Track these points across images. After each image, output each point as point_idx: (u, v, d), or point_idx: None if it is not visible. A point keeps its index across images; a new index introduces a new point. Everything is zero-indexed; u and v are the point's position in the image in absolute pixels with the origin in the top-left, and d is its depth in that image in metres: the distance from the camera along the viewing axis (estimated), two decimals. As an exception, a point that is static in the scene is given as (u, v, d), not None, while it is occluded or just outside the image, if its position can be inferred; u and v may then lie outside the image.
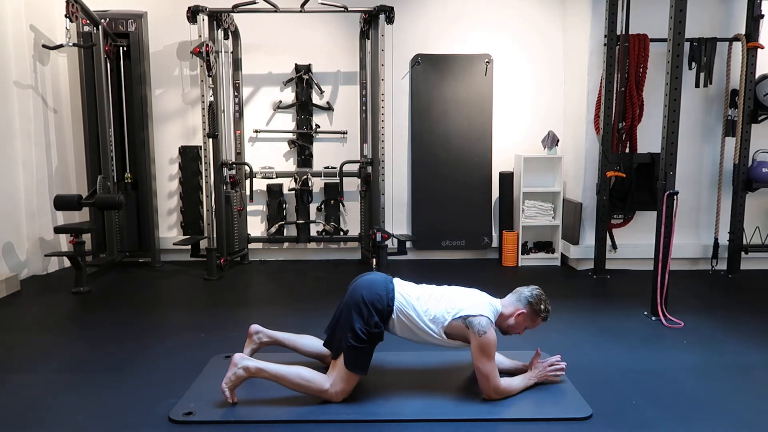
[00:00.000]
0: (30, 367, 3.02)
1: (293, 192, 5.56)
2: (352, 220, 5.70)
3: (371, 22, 5.04)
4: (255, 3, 4.84)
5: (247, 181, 5.35)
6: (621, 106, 4.92)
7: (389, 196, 5.45)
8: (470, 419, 2.40)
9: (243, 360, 2.48)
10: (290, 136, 5.62)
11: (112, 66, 5.22)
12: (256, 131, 5.60)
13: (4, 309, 4.06)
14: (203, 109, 4.83)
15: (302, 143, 5.59)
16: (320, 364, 2.78)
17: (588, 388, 2.68)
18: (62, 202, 4.53)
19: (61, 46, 4.86)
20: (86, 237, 4.67)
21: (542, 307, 2.64)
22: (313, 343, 2.85)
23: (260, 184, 5.60)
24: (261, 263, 5.61)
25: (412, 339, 2.64)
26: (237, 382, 2.47)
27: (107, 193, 4.76)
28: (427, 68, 5.57)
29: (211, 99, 4.84)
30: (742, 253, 5.06)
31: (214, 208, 5.00)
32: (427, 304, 2.60)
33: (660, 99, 3.92)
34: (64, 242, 5.26)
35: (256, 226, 5.69)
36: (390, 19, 4.95)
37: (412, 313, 2.57)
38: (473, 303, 2.59)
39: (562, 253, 5.52)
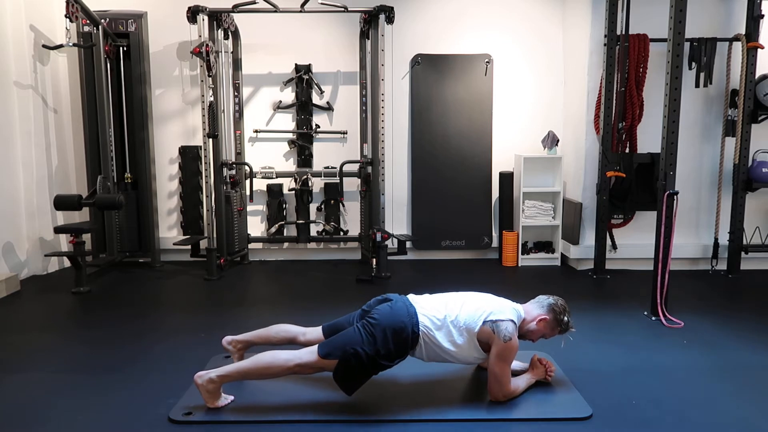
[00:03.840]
0: (30, 367, 3.02)
1: (293, 192, 5.56)
2: (352, 220, 5.70)
3: (371, 22, 5.04)
4: (255, 3, 4.84)
5: (247, 181, 5.35)
6: (621, 106, 4.92)
7: (389, 196, 5.45)
8: (470, 419, 2.40)
9: (204, 376, 2.44)
10: (290, 136, 5.62)
11: (112, 66, 5.22)
12: (256, 131, 5.60)
13: (4, 309, 4.06)
14: (203, 109, 4.83)
15: (302, 143, 5.59)
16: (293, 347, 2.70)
17: (588, 388, 2.68)
18: (62, 202, 4.53)
19: (61, 46, 4.87)
20: (86, 237, 4.67)
21: (565, 318, 2.62)
22: (280, 329, 2.79)
23: (260, 184, 5.60)
24: (261, 263, 5.61)
25: (440, 360, 2.57)
26: (215, 394, 2.45)
27: (107, 193, 4.76)
28: (427, 68, 5.57)
29: (211, 99, 4.84)
30: (742, 253, 5.06)
31: (214, 208, 5.00)
32: (454, 313, 2.53)
33: (660, 99, 3.92)
34: (64, 242, 5.26)
35: (256, 226, 5.69)
36: (390, 19, 4.94)
37: (437, 335, 2.50)
38: (500, 307, 2.56)
39: (562, 253, 5.52)
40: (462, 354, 2.55)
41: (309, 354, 2.44)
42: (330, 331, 2.67)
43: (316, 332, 2.72)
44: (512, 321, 2.50)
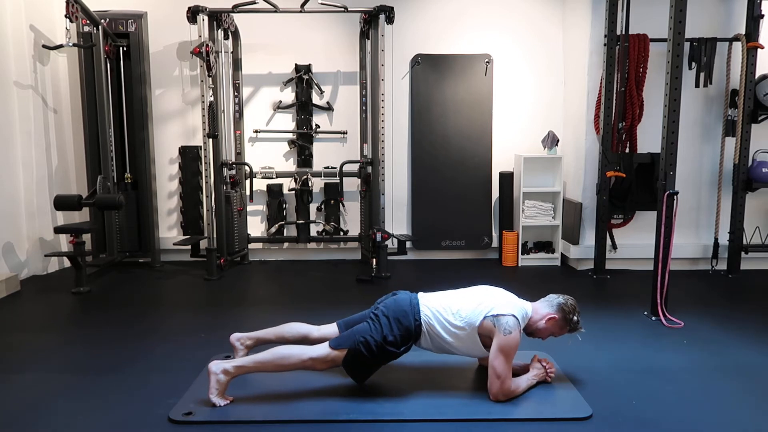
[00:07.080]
0: (30, 367, 3.02)
1: (293, 192, 5.56)
2: (352, 220, 5.70)
3: (371, 22, 5.04)
4: (255, 3, 4.84)
5: (247, 181, 5.35)
6: (621, 106, 4.92)
7: (389, 196, 5.45)
8: (471, 419, 2.40)
9: (219, 365, 2.46)
10: (290, 136, 5.62)
11: (112, 66, 5.22)
12: (256, 131, 5.60)
13: (4, 309, 4.06)
14: (203, 109, 4.83)
15: (302, 143, 5.59)
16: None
17: (588, 388, 2.68)
18: (62, 203, 4.52)
19: (61, 46, 4.87)
20: (86, 237, 4.67)
21: (574, 318, 2.64)
22: (293, 327, 2.82)
23: (260, 184, 5.60)
24: (261, 263, 5.61)
25: (446, 351, 2.64)
26: (222, 387, 2.47)
27: (107, 193, 4.76)
28: (427, 68, 5.57)
29: (211, 99, 4.84)
30: (742, 253, 5.06)
31: (214, 208, 4.99)
32: (457, 306, 2.60)
33: (660, 99, 3.92)
34: (64, 242, 5.26)
35: (256, 226, 5.69)
36: (390, 19, 4.95)
37: (438, 326, 2.57)
38: (504, 302, 2.60)
39: (562, 253, 5.52)
40: (464, 347, 2.61)
41: (321, 347, 2.53)
42: (345, 326, 2.73)
43: (330, 328, 2.78)
44: (514, 316, 2.52)
